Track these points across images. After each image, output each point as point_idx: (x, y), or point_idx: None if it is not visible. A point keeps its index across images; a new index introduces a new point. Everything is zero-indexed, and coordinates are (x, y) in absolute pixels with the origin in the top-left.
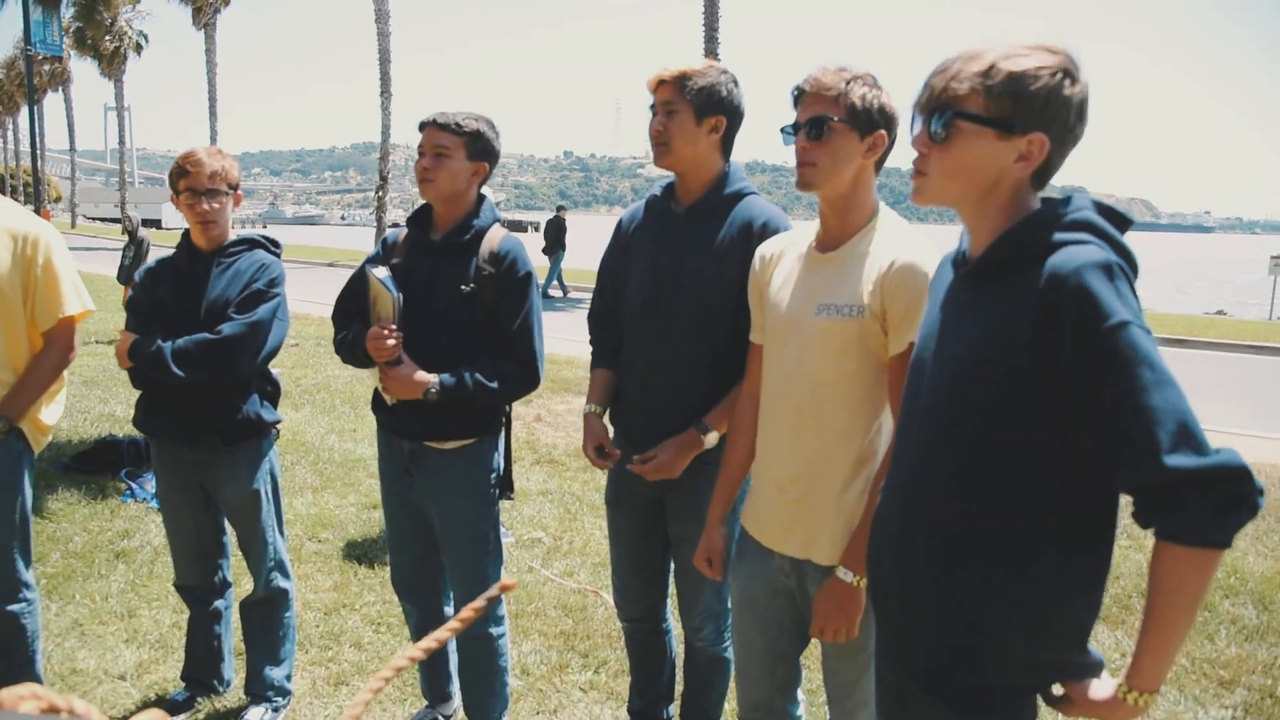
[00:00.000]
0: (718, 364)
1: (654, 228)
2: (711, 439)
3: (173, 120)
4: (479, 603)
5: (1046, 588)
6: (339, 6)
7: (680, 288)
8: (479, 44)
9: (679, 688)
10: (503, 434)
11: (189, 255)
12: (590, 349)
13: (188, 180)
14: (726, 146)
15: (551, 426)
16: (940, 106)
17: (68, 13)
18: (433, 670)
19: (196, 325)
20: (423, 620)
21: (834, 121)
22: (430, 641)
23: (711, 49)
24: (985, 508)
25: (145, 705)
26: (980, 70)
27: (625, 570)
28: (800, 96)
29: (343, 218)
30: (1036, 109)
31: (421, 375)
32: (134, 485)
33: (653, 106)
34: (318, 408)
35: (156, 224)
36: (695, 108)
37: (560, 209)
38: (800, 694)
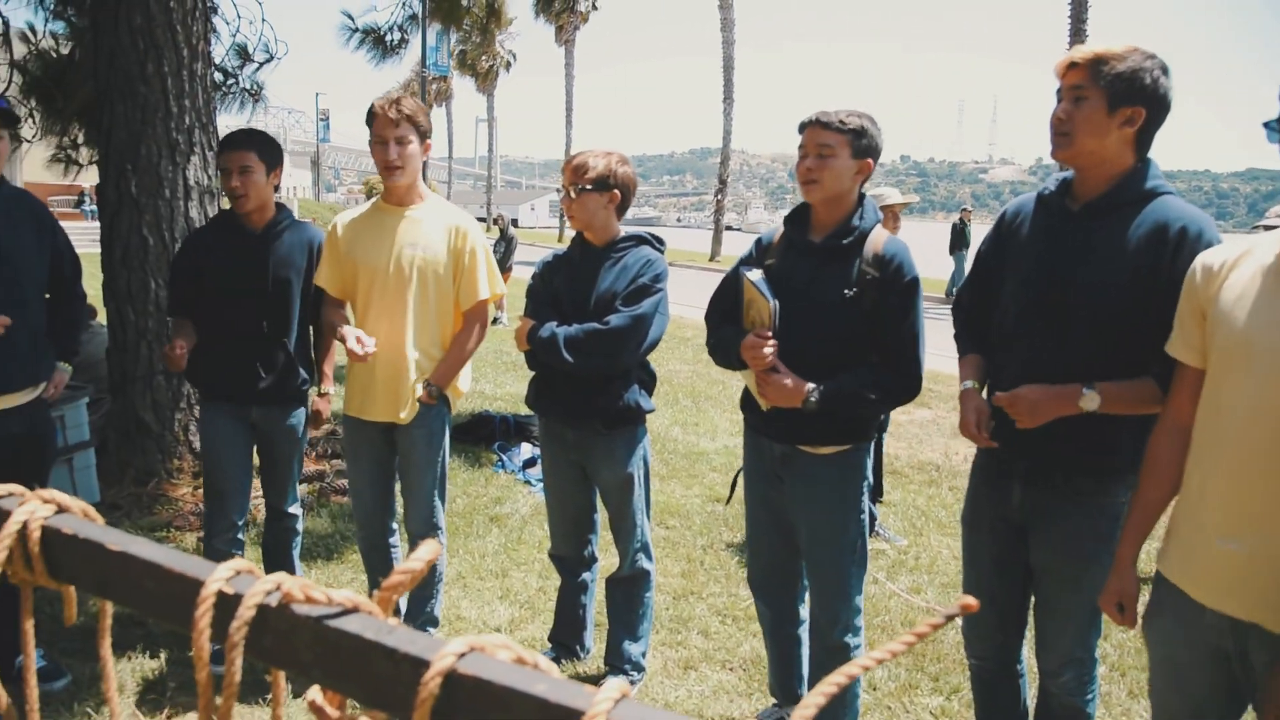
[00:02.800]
0: (1106, 372)
1: (1043, 224)
2: (1090, 400)
3: (529, 129)
4: (938, 619)
5: None
6: (684, 16)
7: (1073, 292)
8: (813, 45)
9: None
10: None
11: (582, 249)
12: (955, 340)
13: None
14: (1142, 142)
15: (894, 436)
16: None
17: (454, 36)
18: (784, 669)
19: (585, 314)
20: (776, 621)
21: None
22: (883, 653)
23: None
24: None
25: None
26: None
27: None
28: None
29: (678, 220)
30: None
31: (799, 383)
32: (504, 457)
33: (1059, 92)
34: (661, 400)
35: (513, 223)
36: (1109, 96)
37: (964, 211)
38: None
